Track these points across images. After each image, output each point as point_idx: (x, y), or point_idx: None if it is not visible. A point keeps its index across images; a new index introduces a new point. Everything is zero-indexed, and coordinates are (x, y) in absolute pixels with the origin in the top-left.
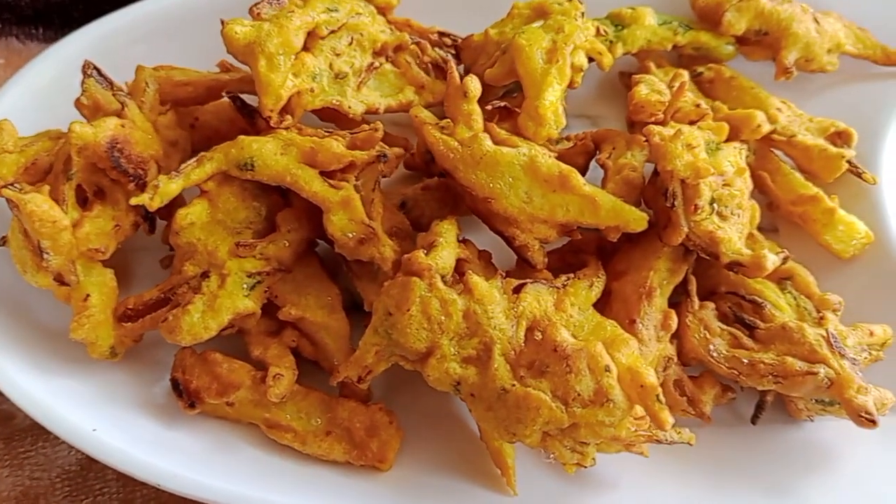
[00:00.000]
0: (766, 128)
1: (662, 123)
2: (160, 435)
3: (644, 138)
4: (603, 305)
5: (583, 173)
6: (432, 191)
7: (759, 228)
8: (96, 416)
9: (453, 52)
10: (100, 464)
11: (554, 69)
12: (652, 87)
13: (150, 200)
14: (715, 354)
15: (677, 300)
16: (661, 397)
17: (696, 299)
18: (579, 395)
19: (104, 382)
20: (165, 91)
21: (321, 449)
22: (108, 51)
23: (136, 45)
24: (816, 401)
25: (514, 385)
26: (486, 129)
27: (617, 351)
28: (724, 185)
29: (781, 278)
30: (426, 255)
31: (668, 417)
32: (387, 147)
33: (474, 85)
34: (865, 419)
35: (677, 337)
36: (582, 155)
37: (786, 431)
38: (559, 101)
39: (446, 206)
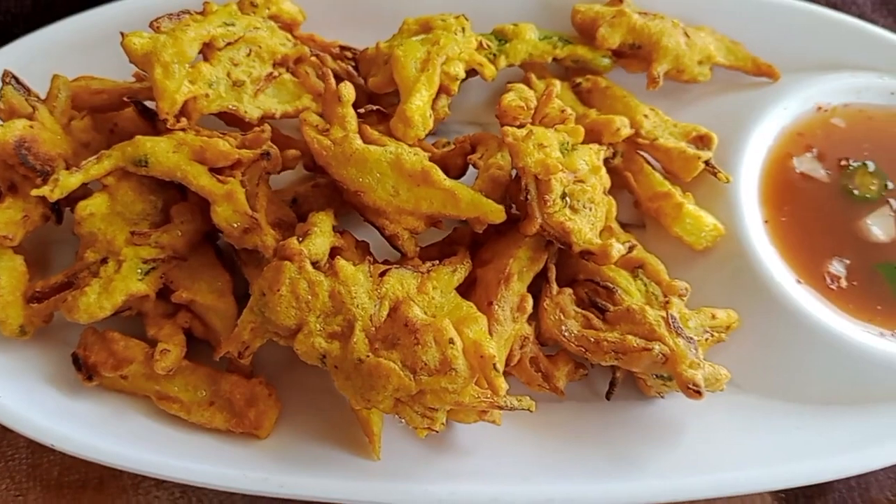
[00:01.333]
0: (626, 132)
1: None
2: (62, 404)
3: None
4: (469, 291)
5: (462, 172)
6: (321, 188)
7: (628, 224)
8: (5, 388)
9: (353, 63)
10: (12, 433)
11: (423, 77)
12: (520, 95)
13: (51, 192)
14: (567, 334)
15: (541, 287)
16: (498, 367)
17: (554, 285)
18: (426, 364)
19: (14, 358)
20: (83, 98)
21: (204, 418)
22: (42, 61)
23: (69, 57)
24: (657, 376)
25: (368, 356)
26: (360, 131)
27: (467, 327)
28: (576, 181)
29: (635, 267)
30: (300, 242)
31: (502, 384)
32: (273, 146)
33: (347, 91)
34: (692, 391)
35: (536, 319)
36: (461, 156)
37: (637, 407)
38: (427, 105)
39: (334, 201)
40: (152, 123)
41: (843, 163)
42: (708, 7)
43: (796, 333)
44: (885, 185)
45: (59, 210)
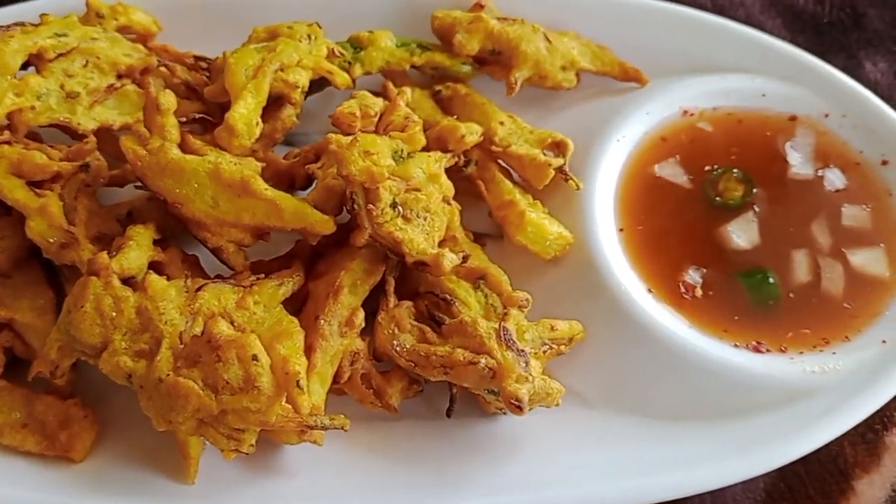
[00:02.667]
0: (472, 139)
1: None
2: None
3: None
4: (301, 305)
5: (308, 182)
6: (155, 201)
7: (486, 235)
8: None
9: (208, 73)
10: None
11: (251, 84)
12: (361, 103)
13: None
14: (399, 349)
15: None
16: (302, 384)
17: (391, 298)
18: (228, 383)
19: None
20: None
21: (15, 440)
22: None
23: None
24: (489, 391)
25: (168, 375)
26: (184, 139)
27: (280, 343)
28: (409, 189)
29: (477, 278)
30: (111, 257)
31: (304, 402)
32: (99, 158)
33: (166, 99)
34: (514, 405)
35: (372, 333)
36: (303, 166)
37: (479, 425)
38: (253, 112)
39: (169, 215)
40: None
41: (708, 168)
42: (574, 11)
43: (644, 346)
44: (751, 191)
45: None
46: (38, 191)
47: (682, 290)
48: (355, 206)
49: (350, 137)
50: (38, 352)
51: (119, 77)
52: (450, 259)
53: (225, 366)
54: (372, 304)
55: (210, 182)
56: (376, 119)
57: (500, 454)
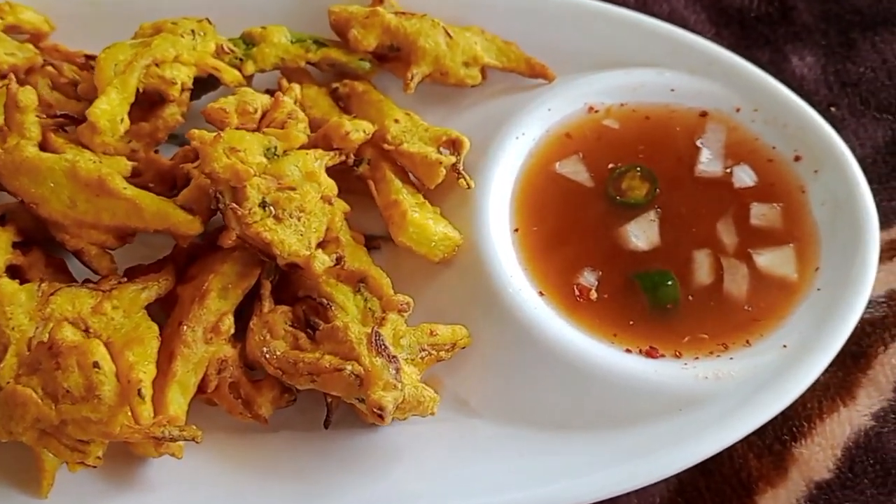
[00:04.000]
0: (357, 136)
1: (255, 131)
2: None
3: None
4: (170, 311)
5: (187, 182)
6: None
7: (380, 237)
8: None
9: None
10: None
11: (117, 80)
12: (240, 99)
13: None
14: (268, 356)
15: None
16: (144, 392)
17: (266, 303)
18: (69, 391)
19: None
20: None
21: None
22: None
23: None
24: (359, 400)
25: (8, 383)
26: (46, 138)
27: (131, 350)
28: (282, 188)
29: (357, 281)
30: None
31: (144, 412)
32: None
33: (26, 96)
34: (376, 414)
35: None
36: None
37: (358, 436)
38: (119, 108)
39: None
40: None
41: (611, 166)
42: (478, 6)
43: (532, 352)
44: (654, 189)
45: None
46: None
47: (576, 292)
48: (221, 206)
49: (214, 133)
50: None
51: (2, 77)
52: (322, 261)
53: (64, 373)
54: (249, 307)
55: (67, 181)
56: (257, 116)
57: (377, 466)
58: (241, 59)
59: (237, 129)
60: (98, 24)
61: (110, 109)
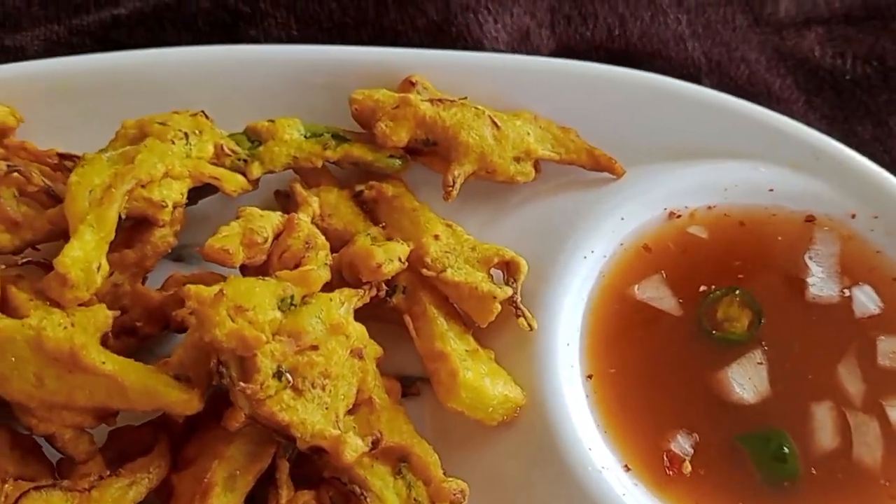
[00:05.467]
0: (392, 268)
1: (265, 266)
2: None
3: None
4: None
5: (182, 325)
6: None
7: (420, 379)
8: None
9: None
10: None
11: (91, 215)
12: (248, 224)
13: None
14: None
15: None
16: None
17: (283, 491)
18: None
19: None
20: None
21: None
22: None
23: None
24: None
25: None
26: (4, 293)
27: None
28: (302, 350)
29: (398, 459)
30: None
31: None
32: None
33: None
34: None
35: None
36: (180, 305)
37: None
38: (96, 252)
39: None
40: None
41: (703, 289)
42: (527, 85)
43: None
44: (758, 321)
45: None
46: None
47: (667, 463)
48: (225, 381)
49: (214, 289)
50: None
51: None
52: (354, 447)
53: None
54: (263, 492)
55: (31, 354)
56: (267, 245)
57: None
58: (244, 161)
59: (243, 269)
60: (73, 117)
61: (84, 256)
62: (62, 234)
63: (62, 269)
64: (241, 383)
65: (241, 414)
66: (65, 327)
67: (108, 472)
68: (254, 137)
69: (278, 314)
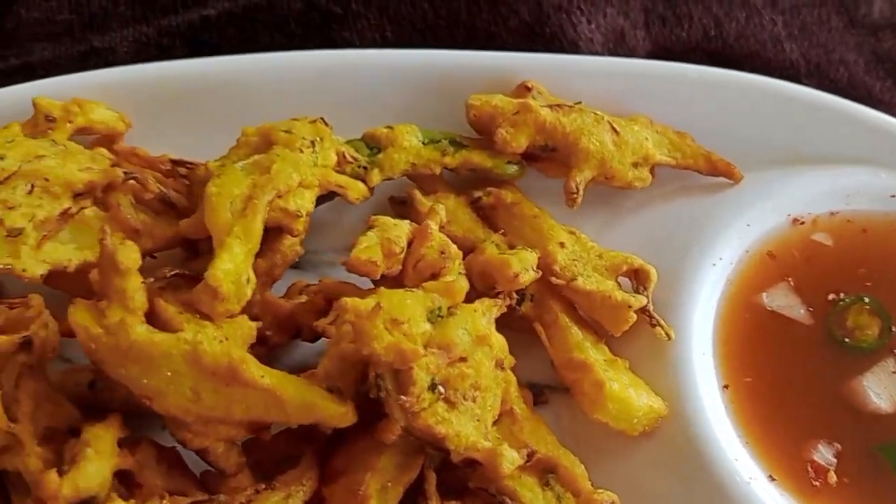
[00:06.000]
0: (528, 277)
1: (400, 277)
2: None
3: None
4: None
5: (314, 335)
6: None
7: (548, 387)
8: None
9: (188, 182)
10: None
11: (238, 227)
12: (384, 234)
13: None
14: None
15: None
16: None
17: (433, 502)
18: None
19: None
20: None
21: None
22: None
23: None
24: None
25: None
26: (153, 307)
27: None
28: (453, 362)
29: (544, 470)
30: (63, 474)
31: None
32: (46, 325)
33: (127, 255)
34: None
35: None
36: (313, 314)
37: None
38: (244, 265)
39: None
40: None
41: (832, 297)
42: (643, 90)
43: None
44: (889, 329)
45: None
46: None
47: (812, 474)
48: (382, 394)
49: (371, 303)
50: None
51: (76, 197)
52: (510, 460)
53: None
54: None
55: (188, 369)
56: (402, 255)
57: None
58: (364, 168)
59: (384, 277)
60: (182, 120)
61: (234, 269)
62: (179, 243)
63: (214, 283)
64: (402, 396)
65: (396, 426)
66: (220, 341)
67: (263, 486)
68: (372, 144)
69: (428, 326)
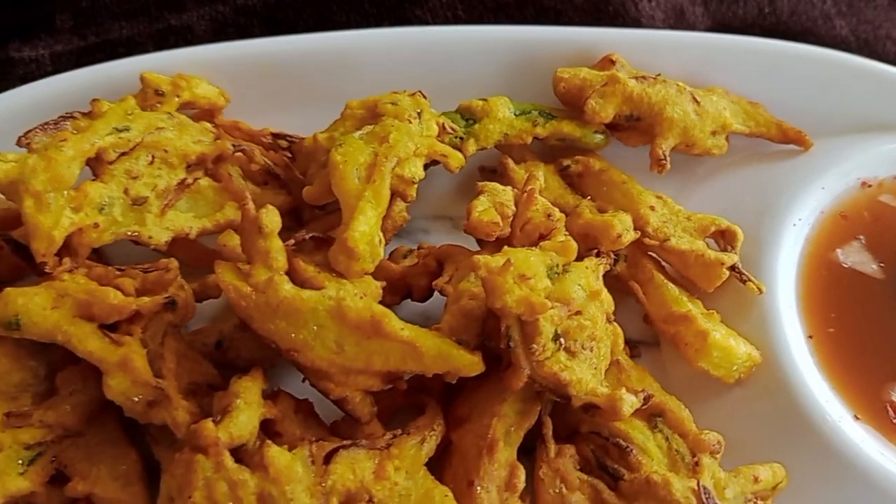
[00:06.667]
0: (630, 237)
1: (509, 239)
2: None
3: None
4: (443, 462)
5: (426, 295)
6: (251, 329)
7: (639, 342)
8: None
9: (289, 155)
10: None
11: (368, 192)
12: (495, 199)
13: None
14: None
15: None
16: None
17: (552, 445)
18: None
19: None
20: None
21: None
22: None
23: None
24: None
25: None
26: (292, 266)
27: None
28: (572, 314)
29: (652, 415)
30: (218, 423)
31: None
32: (183, 289)
33: (270, 219)
34: None
35: (531, 491)
36: (424, 276)
37: None
38: (375, 228)
39: (267, 345)
40: (33, 263)
41: None
42: (720, 62)
43: (862, 490)
44: None
45: None
46: (114, 336)
47: (891, 413)
48: (511, 344)
49: (501, 259)
50: None
51: (189, 168)
52: (630, 403)
53: None
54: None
55: (332, 323)
56: (511, 219)
57: None
58: (460, 139)
59: (481, 243)
60: (278, 95)
61: (368, 231)
62: (284, 212)
63: (352, 244)
64: (534, 345)
65: (523, 374)
66: (361, 297)
67: (399, 431)
68: (467, 116)
69: (548, 282)
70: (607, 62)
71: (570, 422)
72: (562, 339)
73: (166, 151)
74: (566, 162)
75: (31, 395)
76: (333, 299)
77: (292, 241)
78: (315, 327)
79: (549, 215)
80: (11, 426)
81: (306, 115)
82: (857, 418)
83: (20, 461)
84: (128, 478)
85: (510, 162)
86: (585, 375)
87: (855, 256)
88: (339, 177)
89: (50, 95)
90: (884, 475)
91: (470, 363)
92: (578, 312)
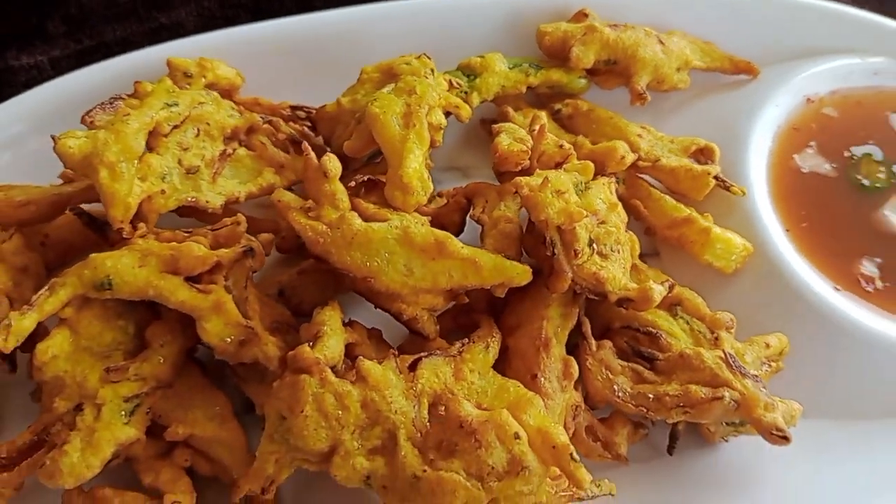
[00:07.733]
0: (630, 157)
1: (529, 171)
2: None
3: (514, 190)
4: (502, 364)
5: (459, 230)
6: (309, 274)
7: (641, 255)
8: None
9: (309, 124)
10: None
11: (412, 134)
12: (513, 136)
13: (5, 342)
14: (620, 394)
15: (575, 342)
16: (575, 455)
17: (592, 340)
18: (493, 468)
19: None
20: (6, 214)
21: None
22: None
23: None
24: (727, 423)
25: (425, 471)
26: (353, 206)
27: (523, 413)
28: (599, 223)
29: (671, 304)
30: (312, 347)
31: (584, 475)
32: (253, 239)
33: (333, 164)
34: (777, 436)
35: (581, 382)
36: (456, 212)
37: (703, 456)
38: (423, 165)
39: (327, 288)
40: (103, 234)
41: (847, 154)
42: (675, 9)
43: (851, 346)
44: (893, 171)
45: (11, 357)
46: (199, 287)
47: (863, 283)
48: (555, 251)
49: (539, 177)
50: (230, 468)
51: (225, 140)
52: (659, 291)
53: (487, 450)
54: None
55: (401, 249)
56: (528, 151)
57: (737, 482)
58: (465, 93)
59: (499, 175)
60: (283, 71)
61: (418, 168)
62: None
63: (406, 180)
64: (575, 247)
65: (567, 277)
66: (421, 224)
67: (467, 340)
68: (468, 72)
69: (577, 197)
70: (581, 15)
71: (600, 322)
72: (594, 244)
73: (209, 124)
74: (557, 106)
75: (123, 353)
76: (400, 228)
77: (353, 183)
78: (386, 254)
79: (560, 146)
80: (110, 381)
81: (309, 87)
82: (838, 289)
83: (122, 413)
84: (222, 417)
85: (510, 111)
86: (618, 273)
87: (811, 161)
88: (381, 125)
89: (72, 91)
90: (864, 330)
91: (523, 271)
92: (603, 222)
